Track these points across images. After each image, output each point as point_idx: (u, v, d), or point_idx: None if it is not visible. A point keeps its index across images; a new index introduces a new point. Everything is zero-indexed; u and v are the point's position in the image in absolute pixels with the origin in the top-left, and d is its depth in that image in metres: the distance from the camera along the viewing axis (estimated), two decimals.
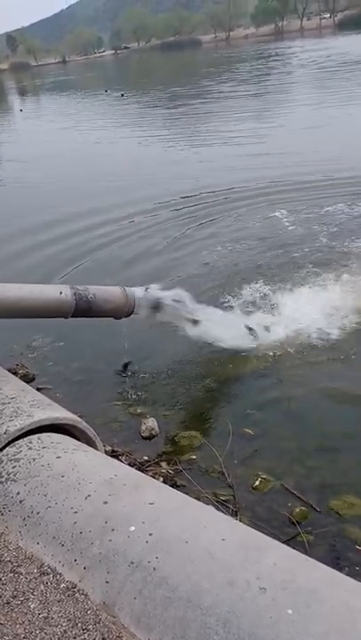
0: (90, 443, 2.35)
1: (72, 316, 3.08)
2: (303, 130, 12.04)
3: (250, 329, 3.84)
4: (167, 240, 6.49)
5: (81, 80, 48.43)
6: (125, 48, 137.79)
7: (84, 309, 3.07)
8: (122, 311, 3.28)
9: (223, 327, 3.76)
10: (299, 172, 8.55)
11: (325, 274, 4.90)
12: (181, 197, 8.13)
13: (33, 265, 6.05)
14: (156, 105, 21.03)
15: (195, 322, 3.63)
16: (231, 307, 4.08)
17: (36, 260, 6.20)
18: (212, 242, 6.23)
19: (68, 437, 2.25)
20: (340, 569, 1.94)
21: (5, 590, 1.52)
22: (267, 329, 3.93)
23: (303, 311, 4.17)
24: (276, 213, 6.88)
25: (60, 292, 2.95)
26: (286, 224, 6.48)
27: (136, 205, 7.98)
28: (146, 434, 3.18)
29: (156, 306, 3.47)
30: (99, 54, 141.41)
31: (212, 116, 15.98)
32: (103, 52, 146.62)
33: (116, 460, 2.29)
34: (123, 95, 25.79)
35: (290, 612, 1.29)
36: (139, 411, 3.42)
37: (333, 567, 1.55)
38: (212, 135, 12.80)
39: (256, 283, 4.86)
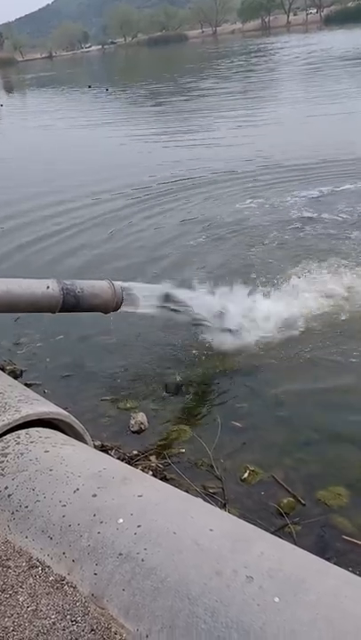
0: (79, 437, 2.34)
1: (60, 311, 3.07)
2: (275, 130, 11.94)
3: (221, 313, 3.81)
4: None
5: (66, 75, 48.13)
6: (112, 43, 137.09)
7: (72, 304, 3.06)
8: (110, 305, 3.27)
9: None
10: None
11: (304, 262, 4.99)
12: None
13: None
14: (136, 101, 20.96)
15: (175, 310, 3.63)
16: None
17: None
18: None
19: (56, 432, 2.24)
20: (327, 558, 1.96)
21: None
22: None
23: (288, 303, 4.19)
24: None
25: (48, 287, 2.93)
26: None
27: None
28: (135, 428, 3.19)
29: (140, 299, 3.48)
30: (85, 49, 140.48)
31: (190, 114, 15.84)
32: (90, 47, 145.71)
33: (104, 454, 2.29)
34: (107, 90, 25.88)
35: (277, 600, 1.31)
36: (128, 405, 3.42)
37: (321, 557, 1.57)
38: (188, 134, 12.70)
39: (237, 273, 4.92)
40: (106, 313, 3.37)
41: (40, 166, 11.24)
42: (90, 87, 28.89)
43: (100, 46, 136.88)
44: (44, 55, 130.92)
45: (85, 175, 9.84)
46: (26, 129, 18.08)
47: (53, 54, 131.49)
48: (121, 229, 6.72)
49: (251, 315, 4.00)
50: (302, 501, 2.54)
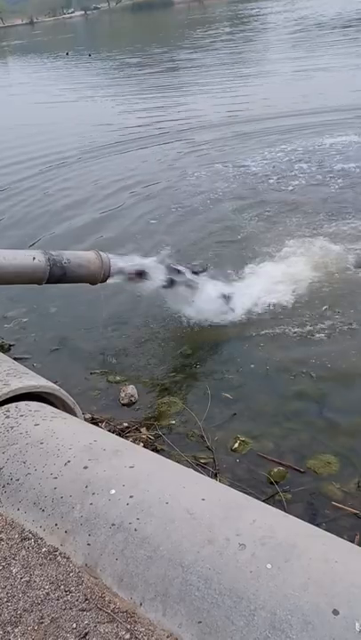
0: (69, 411, 2.33)
1: (46, 283, 3.03)
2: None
3: (226, 297, 3.81)
4: None
5: (46, 42, 46.78)
6: (95, 8, 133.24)
7: (59, 275, 3.01)
8: (97, 277, 3.23)
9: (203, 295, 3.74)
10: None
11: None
12: None
13: None
14: (110, 73, 20.37)
15: (171, 283, 3.59)
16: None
17: None
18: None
19: (46, 405, 2.23)
20: (317, 525, 1.98)
21: None
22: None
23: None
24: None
25: (34, 258, 2.88)
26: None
27: None
28: (125, 401, 3.18)
29: (133, 272, 3.43)
30: (68, 15, 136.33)
31: (162, 88, 15.26)
32: (72, 12, 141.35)
33: (95, 427, 2.29)
34: (90, 55, 25.51)
35: (269, 566, 1.32)
36: (118, 378, 3.42)
37: (311, 524, 1.58)
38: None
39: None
40: (94, 284, 3.33)
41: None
42: (67, 54, 28.41)
43: (82, 12, 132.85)
44: (25, 21, 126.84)
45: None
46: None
47: (35, 20, 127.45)
48: None
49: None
50: (300, 470, 2.56)
